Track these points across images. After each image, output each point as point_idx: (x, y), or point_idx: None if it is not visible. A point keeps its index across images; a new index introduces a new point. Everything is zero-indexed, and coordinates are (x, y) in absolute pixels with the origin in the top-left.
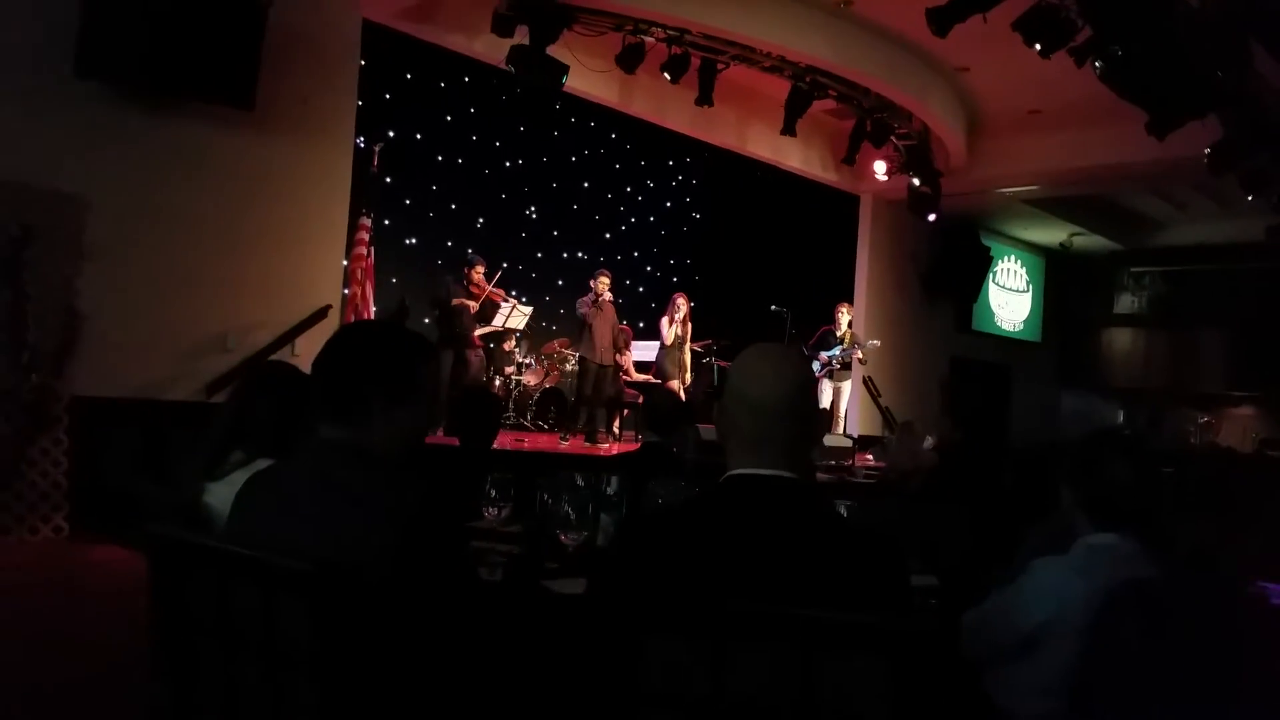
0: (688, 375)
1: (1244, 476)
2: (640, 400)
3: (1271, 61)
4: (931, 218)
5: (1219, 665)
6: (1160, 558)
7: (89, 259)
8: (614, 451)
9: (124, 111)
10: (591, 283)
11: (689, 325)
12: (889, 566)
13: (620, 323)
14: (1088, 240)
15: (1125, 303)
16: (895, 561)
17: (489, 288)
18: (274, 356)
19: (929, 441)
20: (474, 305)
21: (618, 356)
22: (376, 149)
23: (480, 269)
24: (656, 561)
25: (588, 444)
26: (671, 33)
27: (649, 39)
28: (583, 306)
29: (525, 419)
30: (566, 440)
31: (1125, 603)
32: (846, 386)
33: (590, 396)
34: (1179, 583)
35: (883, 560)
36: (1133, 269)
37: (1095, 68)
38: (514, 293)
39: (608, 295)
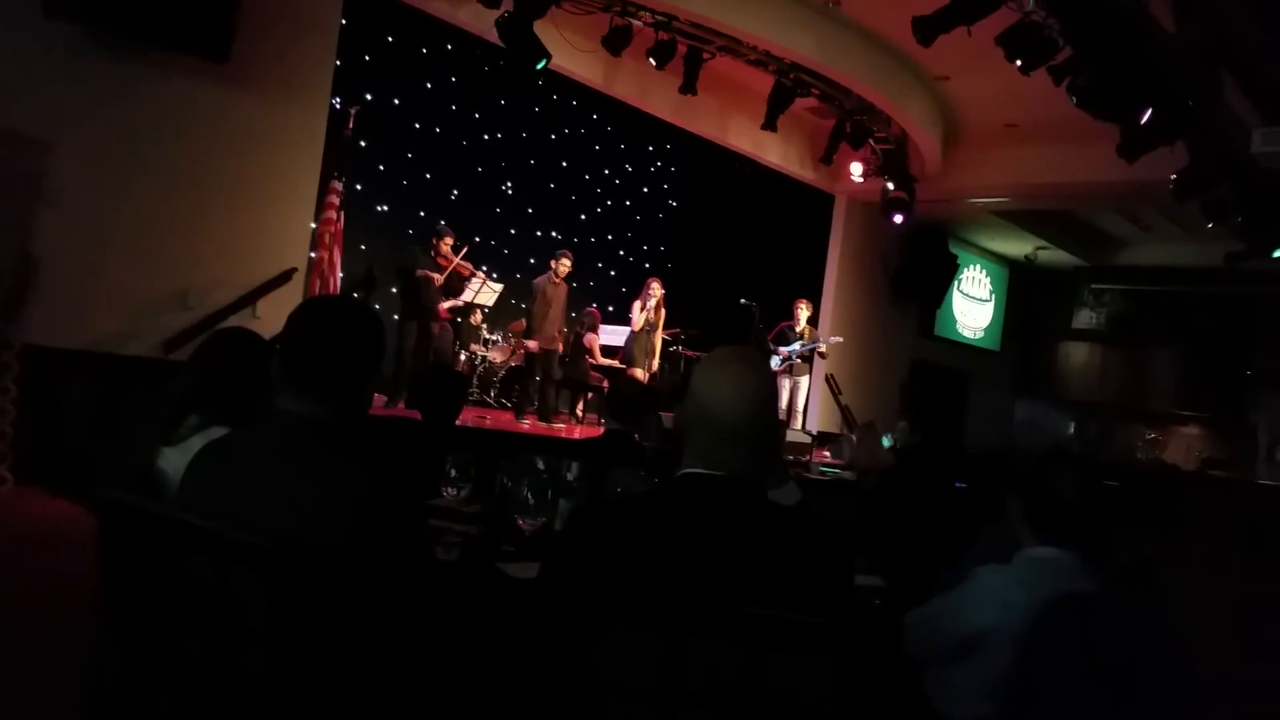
0: (655, 362)
1: (1185, 494)
2: (605, 384)
3: (1240, 95)
4: (898, 219)
5: (1151, 679)
6: (1099, 573)
7: (48, 204)
8: (575, 434)
9: (93, 55)
10: (552, 263)
11: (662, 311)
12: (833, 554)
13: (590, 305)
14: (1052, 254)
15: (1084, 318)
16: (839, 548)
17: (457, 260)
18: (235, 317)
19: (887, 442)
20: (439, 278)
21: (584, 338)
22: (352, 111)
23: (449, 241)
24: (606, 552)
25: (542, 423)
26: (659, 18)
27: (636, 22)
28: (537, 287)
29: (489, 396)
30: (525, 420)
31: (1062, 615)
32: (804, 381)
33: (541, 378)
34: (1115, 598)
35: (827, 548)
36: (1094, 285)
37: (1070, 96)
38: (484, 268)
39: (559, 279)
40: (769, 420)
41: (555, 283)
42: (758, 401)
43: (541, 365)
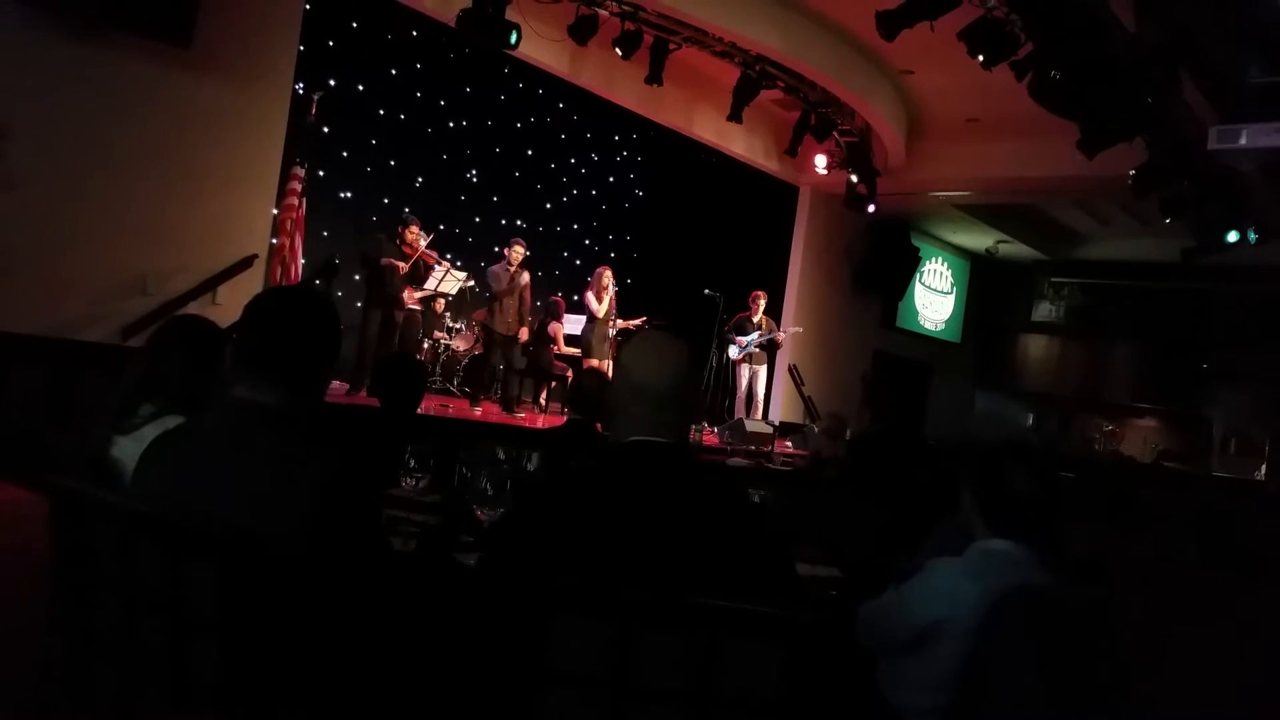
0: (611, 350)
1: (1141, 487)
2: (569, 374)
3: (1197, 93)
4: (870, 209)
5: (1099, 673)
6: (1051, 566)
7: (4, 188)
8: (538, 423)
9: (53, 36)
10: (506, 251)
11: (613, 301)
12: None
13: (554, 294)
14: (1013, 248)
15: (1043, 311)
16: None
17: (422, 249)
18: (195, 304)
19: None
20: (404, 266)
21: (548, 327)
22: (315, 97)
23: (415, 229)
24: (567, 518)
25: (505, 413)
26: (626, 8)
27: (603, 12)
28: (495, 275)
29: (451, 384)
30: (479, 407)
31: (1013, 608)
32: (762, 371)
33: (504, 367)
34: (1066, 591)
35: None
36: (1053, 279)
37: (1030, 89)
38: (449, 256)
39: (519, 266)
40: (688, 389)
41: (510, 270)
42: (677, 373)
43: (503, 353)
